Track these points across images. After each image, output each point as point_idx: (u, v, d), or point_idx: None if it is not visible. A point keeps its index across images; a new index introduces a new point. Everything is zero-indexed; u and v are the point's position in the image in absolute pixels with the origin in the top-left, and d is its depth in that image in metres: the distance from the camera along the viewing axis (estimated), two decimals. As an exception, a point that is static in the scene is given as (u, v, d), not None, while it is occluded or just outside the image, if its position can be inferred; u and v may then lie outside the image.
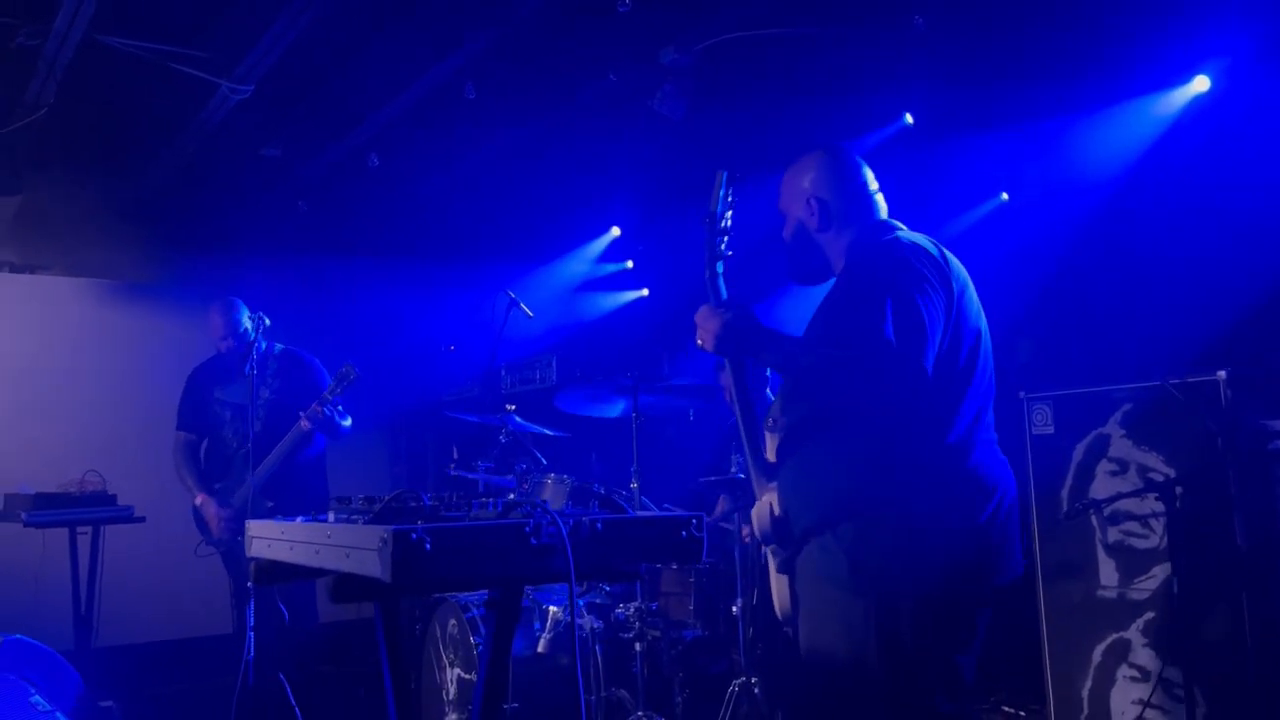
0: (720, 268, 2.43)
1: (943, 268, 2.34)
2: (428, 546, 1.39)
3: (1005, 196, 4.57)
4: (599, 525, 1.54)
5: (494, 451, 4.98)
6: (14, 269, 6.57)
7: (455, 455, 7.15)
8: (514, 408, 5.03)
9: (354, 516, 1.75)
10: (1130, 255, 3.88)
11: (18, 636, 3.67)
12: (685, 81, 4.78)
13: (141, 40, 4.42)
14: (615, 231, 6.76)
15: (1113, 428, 3.70)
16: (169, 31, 4.42)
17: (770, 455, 2.43)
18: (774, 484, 2.41)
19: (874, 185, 2.55)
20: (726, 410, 5.06)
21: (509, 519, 1.53)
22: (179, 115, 5.14)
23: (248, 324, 4.67)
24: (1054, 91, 4.01)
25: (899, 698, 2.25)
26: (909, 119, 4.56)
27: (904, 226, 2.49)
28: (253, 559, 1.95)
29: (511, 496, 1.77)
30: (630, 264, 7.17)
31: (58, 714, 2.97)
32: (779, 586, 2.53)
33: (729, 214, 2.46)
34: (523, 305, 5.28)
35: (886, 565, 2.23)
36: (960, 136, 4.16)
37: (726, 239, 2.45)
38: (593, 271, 7.01)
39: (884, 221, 2.51)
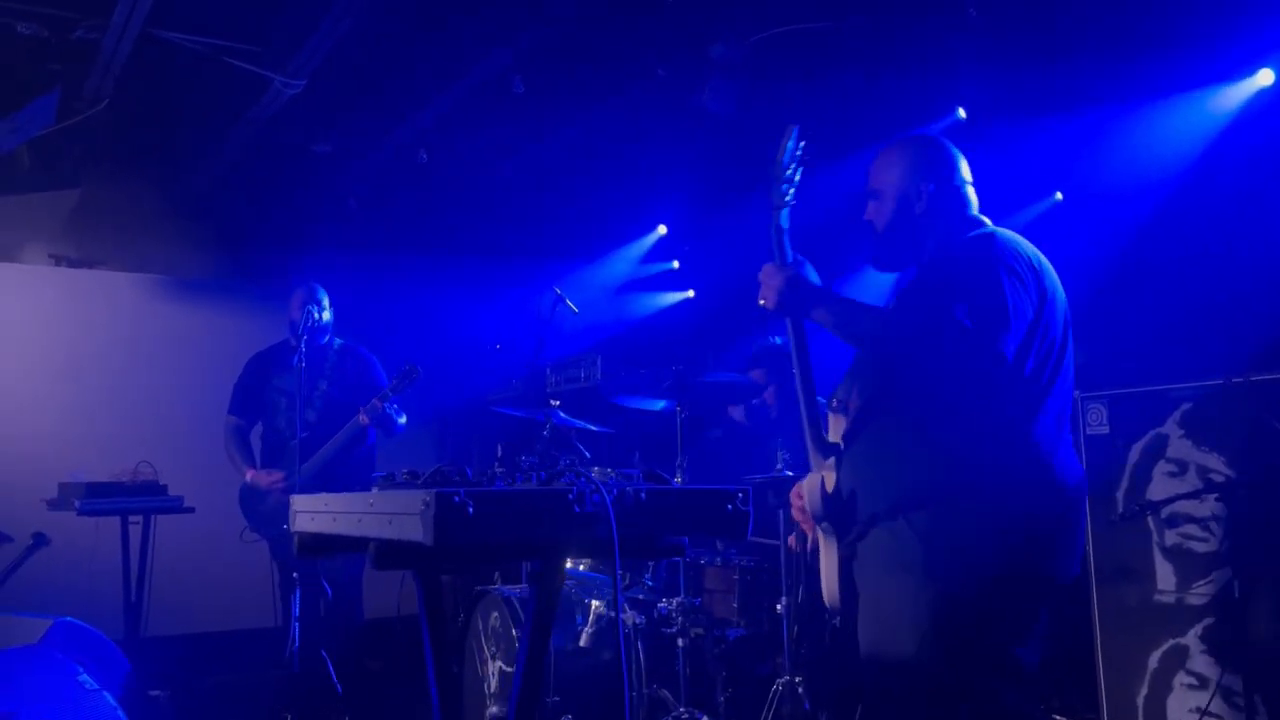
0: (785, 222, 2.40)
1: (1035, 267, 2.33)
2: (470, 510, 1.37)
3: (1059, 196, 4.49)
4: (643, 495, 1.51)
5: (538, 446, 4.98)
6: (71, 263, 6.69)
7: (500, 453, 7.17)
8: (558, 403, 5.02)
9: (398, 488, 1.75)
10: (1189, 252, 3.78)
11: (68, 618, 3.73)
12: (734, 76, 4.75)
13: (197, 35, 4.48)
14: (661, 230, 6.74)
15: (1171, 428, 3.60)
16: (223, 26, 4.48)
17: (833, 436, 2.40)
18: (830, 461, 2.37)
19: (969, 179, 2.54)
20: (766, 411, 4.99)
21: (552, 486, 1.51)
22: (231, 111, 5.21)
23: (320, 316, 4.74)
24: (1112, 85, 3.93)
25: (965, 687, 2.22)
26: (962, 113, 4.50)
27: (990, 221, 2.48)
28: (296, 533, 1.95)
29: (552, 466, 1.74)
30: (676, 264, 7.14)
31: (104, 693, 2.99)
32: (829, 571, 2.48)
33: (798, 168, 2.43)
34: (569, 302, 5.28)
35: (961, 554, 2.21)
36: (1015, 130, 4.08)
37: (793, 191, 2.41)
38: (638, 271, 7.00)
39: (975, 217, 2.50)
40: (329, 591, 4.23)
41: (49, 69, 4.50)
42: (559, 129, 5.43)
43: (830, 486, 2.39)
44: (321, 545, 1.88)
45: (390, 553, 1.54)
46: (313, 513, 1.89)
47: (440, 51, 4.63)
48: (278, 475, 4.70)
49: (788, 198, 2.41)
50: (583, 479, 1.51)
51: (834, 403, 2.50)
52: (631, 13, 4.37)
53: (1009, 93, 4.27)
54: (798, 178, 2.43)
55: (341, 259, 6.64)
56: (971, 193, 2.51)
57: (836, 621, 2.52)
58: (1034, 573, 2.29)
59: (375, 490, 1.90)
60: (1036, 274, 2.34)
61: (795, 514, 2.54)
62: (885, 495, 2.33)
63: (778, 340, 4.69)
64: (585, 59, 4.70)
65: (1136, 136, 3.81)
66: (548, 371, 6.85)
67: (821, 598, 3.77)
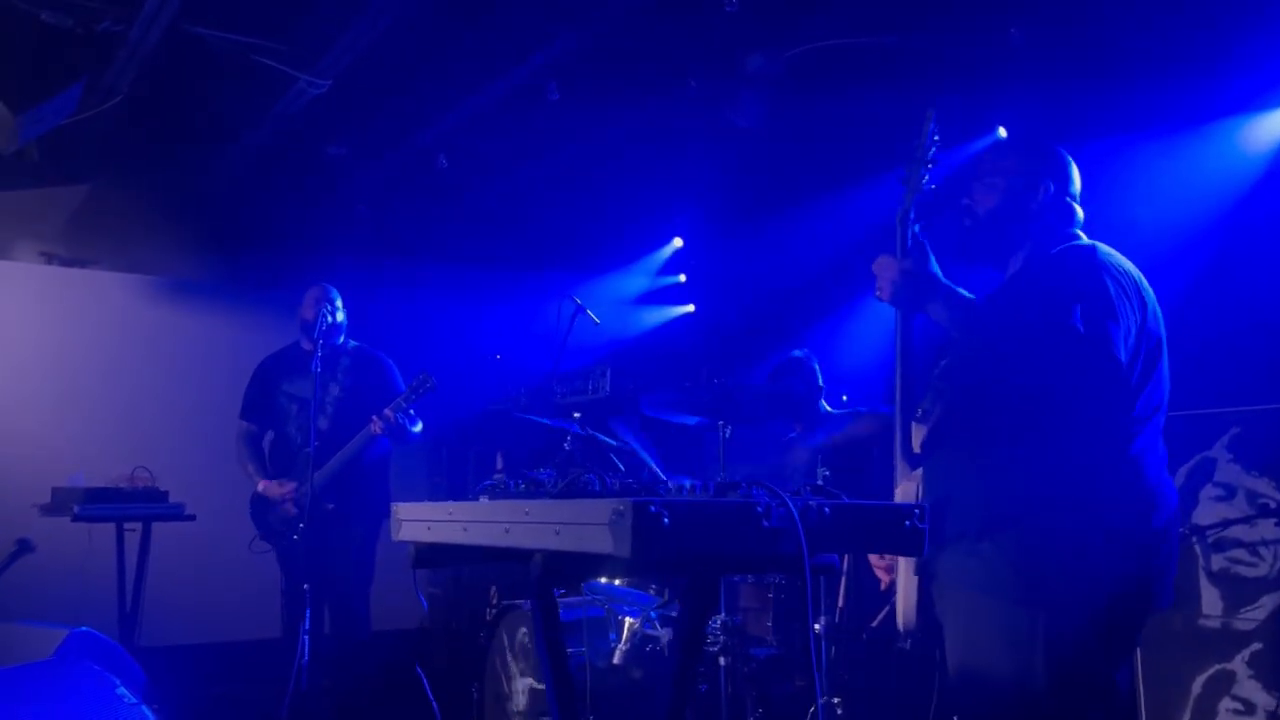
0: (914, 211, 2.32)
1: (1136, 282, 2.31)
2: (666, 521, 1.30)
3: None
4: (826, 509, 1.45)
5: (558, 459, 4.89)
6: (64, 262, 6.51)
7: (500, 465, 7.07)
8: (579, 415, 4.95)
9: (519, 497, 1.68)
10: (1237, 275, 3.79)
11: (85, 629, 3.57)
12: (766, 91, 4.72)
13: (225, 30, 4.37)
14: (677, 242, 6.70)
15: (1219, 451, 3.60)
16: (253, 23, 4.38)
17: (915, 445, 2.34)
18: (918, 472, 2.32)
19: (1078, 196, 2.53)
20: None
21: (734, 498, 1.44)
22: (250, 110, 5.10)
23: (334, 317, 4.63)
24: (1160, 107, 3.95)
25: (1060, 714, 2.16)
26: (1002, 132, 4.50)
27: (1085, 236, 2.47)
28: (411, 543, 1.85)
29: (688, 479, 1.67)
30: (683, 278, 7.09)
31: (143, 707, 2.86)
32: (906, 591, 2.42)
33: (934, 153, 2.38)
34: (589, 312, 5.22)
35: (1056, 577, 2.15)
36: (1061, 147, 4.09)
37: (928, 177, 2.36)
38: (651, 284, 6.94)
39: (1075, 232, 2.48)
40: (425, 604, 4.10)
41: (70, 61, 4.35)
42: (582, 137, 5.37)
43: (919, 499, 2.34)
44: (443, 557, 1.79)
45: (560, 566, 1.46)
46: (429, 522, 1.80)
47: (476, 55, 4.56)
48: (290, 486, 4.57)
49: (925, 180, 2.36)
50: (760, 491, 1.45)
51: (919, 413, 2.45)
52: (670, 21, 4.33)
53: (1051, 115, 4.28)
54: (934, 161, 2.39)
55: (346, 264, 6.51)
56: (1079, 210, 2.49)
57: (907, 645, 2.44)
58: (1131, 593, 2.24)
59: (485, 499, 1.82)
60: (1137, 286, 2.32)
61: None
62: (974, 510, 2.26)
63: (799, 354, 4.64)
64: (620, 66, 4.64)
65: (1188, 159, 3.83)
66: (554, 383, 6.75)
67: (860, 615, 3.72)
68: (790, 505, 1.41)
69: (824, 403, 4.58)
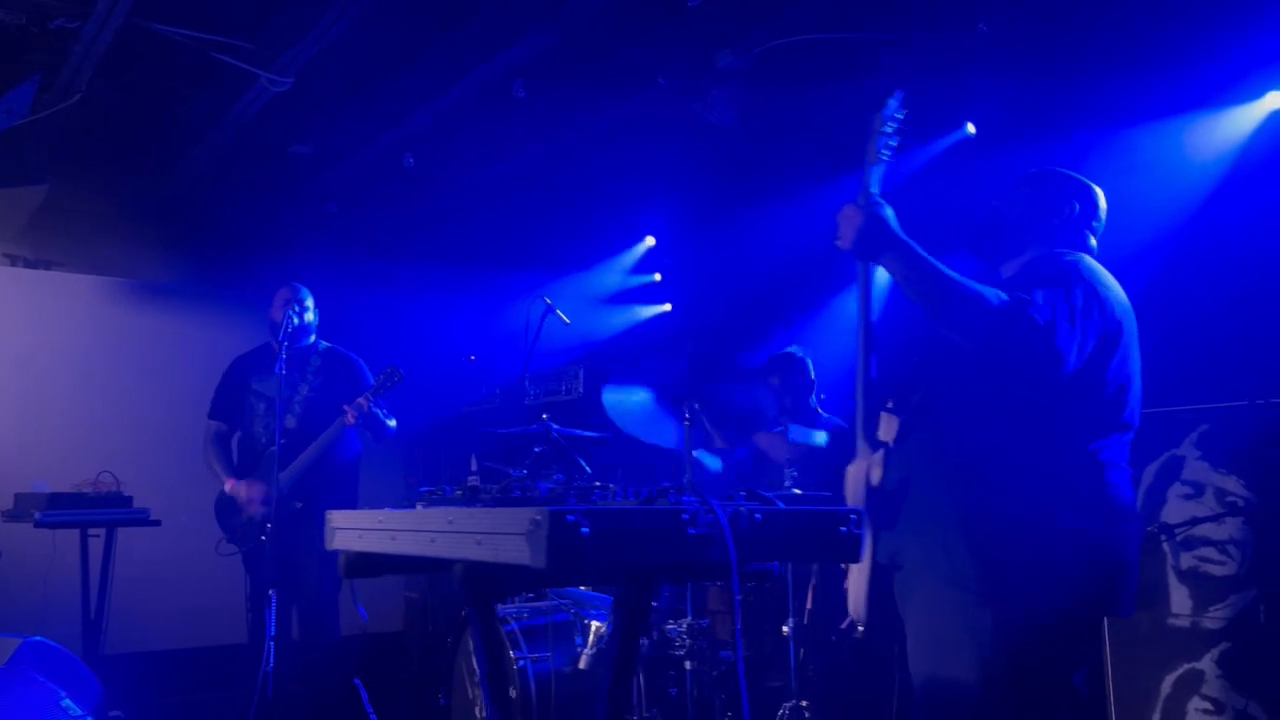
0: (876, 184, 2.36)
1: (1116, 294, 2.37)
2: (585, 530, 1.25)
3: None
4: (757, 516, 1.40)
5: (528, 460, 4.83)
6: (28, 264, 6.41)
7: (474, 466, 7.00)
8: (547, 416, 4.89)
9: (457, 504, 1.62)
10: (1204, 274, 3.76)
11: (38, 638, 3.50)
12: (737, 88, 4.68)
13: (182, 27, 4.30)
14: (650, 241, 6.64)
15: (1188, 449, 3.57)
16: (211, 19, 4.30)
17: (883, 435, 2.32)
18: (878, 455, 2.33)
19: (1098, 231, 2.61)
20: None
21: (662, 505, 1.39)
22: (212, 109, 5.02)
23: (303, 317, 4.58)
24: (1127, 103, 3.91)
25: (1021, 712, 2.13)
26: (971, 129, 4.46)
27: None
28: (341, 552, 1.80)
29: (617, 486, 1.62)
30: (658, 277, 7.03)
31: (88, 718, 2.80)
32: (856, 579, 2.39)
33: (895, 130, 2.44)
34: (559, 312, 5.16)
35: (1019, 573, 2.15)
36: (1026, 147, 4.05)
37: (889, 152, 2.40)
38: (624, 283, 6.88)
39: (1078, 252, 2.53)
40: (364, 615, 4.03)
41: (25, 59, 4.28)
42: (551, 136, 5.31)
43: (876, 480, 2.31)
44: (373, 566, 1.73)
45: (480, 576, 1.40)
46: (360, 530, 1.74)
47: (442, 53, 4.50)
48: (259, 488, 4.50)
49: (883, 155, 2.39)
50: (688, 497, 1.39)
51: (889, 403, 2.43)
52: (637, 20, 4.28)
53: (1020, 109, 4.24)
54: (894, 142, 2.42)
55: (316, 264, 6.43)
56: (1094, 241, 2.56)
57: (858, 633, 2.42)
58: (1095, 594, 2.24)
59: (421, 507, 1.77)
60: (1117, 297, 2.37)
61: None
62: (938, 503, 2.26)
63: (795, 350, 4.64)
64: (588, 65, 4.59)
65: (1154, 155, 3.79)
66: (526, 383, 6.70)
67: (828, 617, 3.68)
68: (718, 512, 1.35)
69: (814, 399, 4.60)
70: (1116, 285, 2.41)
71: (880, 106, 2.43)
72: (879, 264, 2.33)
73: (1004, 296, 2.19)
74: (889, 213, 2.31)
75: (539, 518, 1.25)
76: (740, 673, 1.53)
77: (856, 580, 2.39)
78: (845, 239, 2.33)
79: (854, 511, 1.51)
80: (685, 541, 1.34)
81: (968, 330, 2.21)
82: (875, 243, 2.28)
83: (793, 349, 4.62)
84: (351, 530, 1.78)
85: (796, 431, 4.35)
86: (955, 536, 2.22)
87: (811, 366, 4.61)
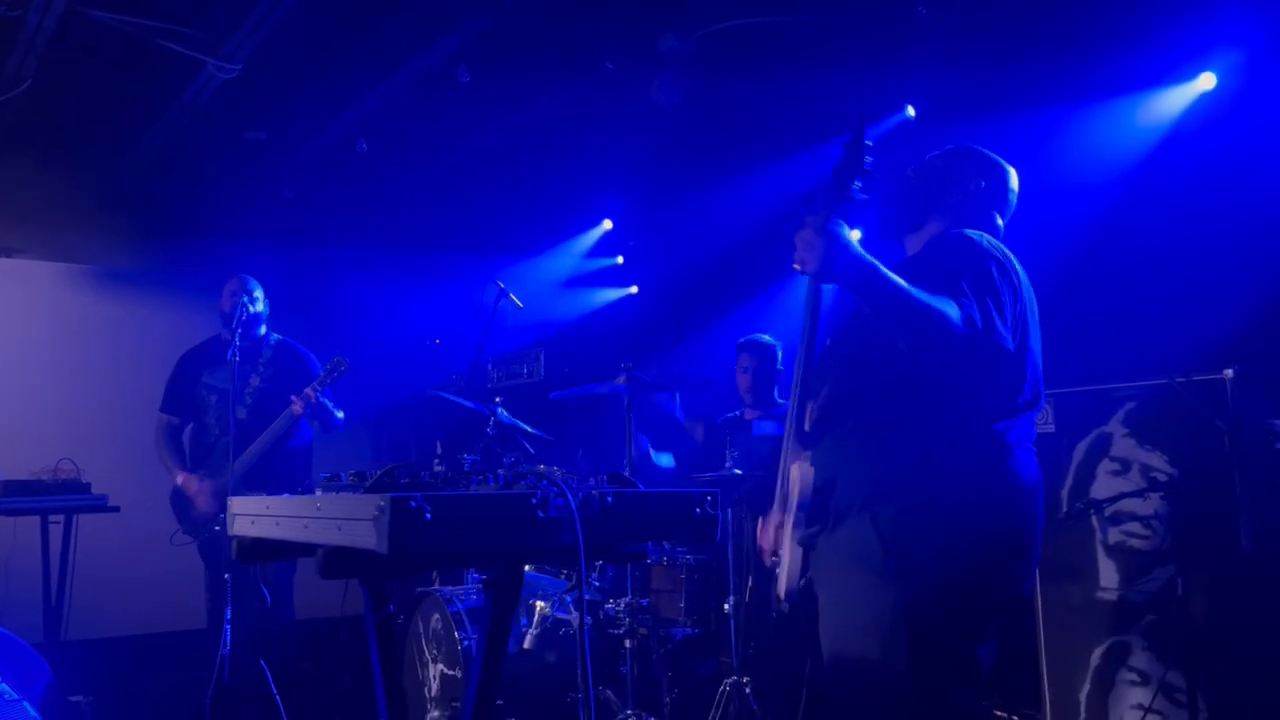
0: (836, 216, 2.21)
1: (1019, 270, 2.39)
2: (428, 516, 1.29)
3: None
4: (609, 499, 1.44)
5: (480, 444, 4.88)
6: (-15, 251, 6.42)
7: (439, 450, 7.04)
8: (500, 400, 4.93)
9: (345, 490, 1.66)
10: (1134, 252, 3.81)
11: (-22, 624, 3.54)
12: (682, 70, 4.70)
13: (126, 15, 4.29)
14: (607, 224, 6.67)
15: (1115, 426, 3.63)
16: (155, 6, 4.30)
17: (807, 425, 2.36)
18: (807, 453, 2.36)
19: (1005, 214, 2.62)
20: (718, 409, 4.98)
21: (514, 490, 1.43)
22: (162, 95, 5.02)
23: (253, 308, 4.61)
24: (1060, 86, 3.96)
25: (919, 686, 2.19)
26: (911, 111, 4.50)
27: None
28: (235, 537, 1.84)
29: (509, 468, 1.66)
30: (620, 259, 7.07)
31: (24, 703, 2.84)
32: (789, 560, 2.44)
33: (870, 160, 2.29)
34: (512, 296, 5.19)
35: (922, 553, 2.20)
36: (963, 129, 4.08)
37: (862, 183, 2.28)
38: (582, 266, 6.91)
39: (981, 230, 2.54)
40: (268, 597, 4.08)
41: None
42: (502, 120, 5.32)
43: (810, 477, 2.37)
44: (263, 551, 1.77)
45: (340, 561, 1.44)
46: (253, 516, 1.78)
47: (384, 37, 4.50)
48: (209, 485, 4.54)
49: (857, 187, 2.26)
50: (546, 482, 1.44)
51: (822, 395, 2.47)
52: (580, 2, 4.29)
53: (957, 92, 4.28)
54: (868, 174, 2.30)
55: (274, 250, 6.44)
56: (1001, 221, 2.58)
57: (785, 608, 2.48)
58: (999, 579, 2.29)
59: (319, 492, 1.80)
60: (1021, 278, 2.38)
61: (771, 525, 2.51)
62: (849, 489, 2.31)
63: (765, 339, 4.69)
64: (532, 49, 4.61)
65: (1083, 137, 3.84)
66: (489, 367, 6.73)
67: (769, 595, 3.75)
68: (569, 496, 1.40)
69: (776, 390, 4.66)
70: (1018, 264, 2.42)
71: (851, 142, 2.29)
72: (839, 284, 2.25)
73: (959, 311, 2.16)
74: (849, 233, 2.23)
75: (383, 504, 1.29)
76: (585, 641, 1.54)
77: (789, 560, 2.45)
78: (805, 263, 2.21)
79: (710, 493, 1.56)
80: (535, 525, 1.38)
81: (927, 347, 2.18)
82: (837, 266, 2.18)
83: (764, 338, 4.67)
84: (246, 516, 1.82)
85: (761, 425, 4.46)
86: (864, 518, 2.27)
87: (780, 358, 4.66)
